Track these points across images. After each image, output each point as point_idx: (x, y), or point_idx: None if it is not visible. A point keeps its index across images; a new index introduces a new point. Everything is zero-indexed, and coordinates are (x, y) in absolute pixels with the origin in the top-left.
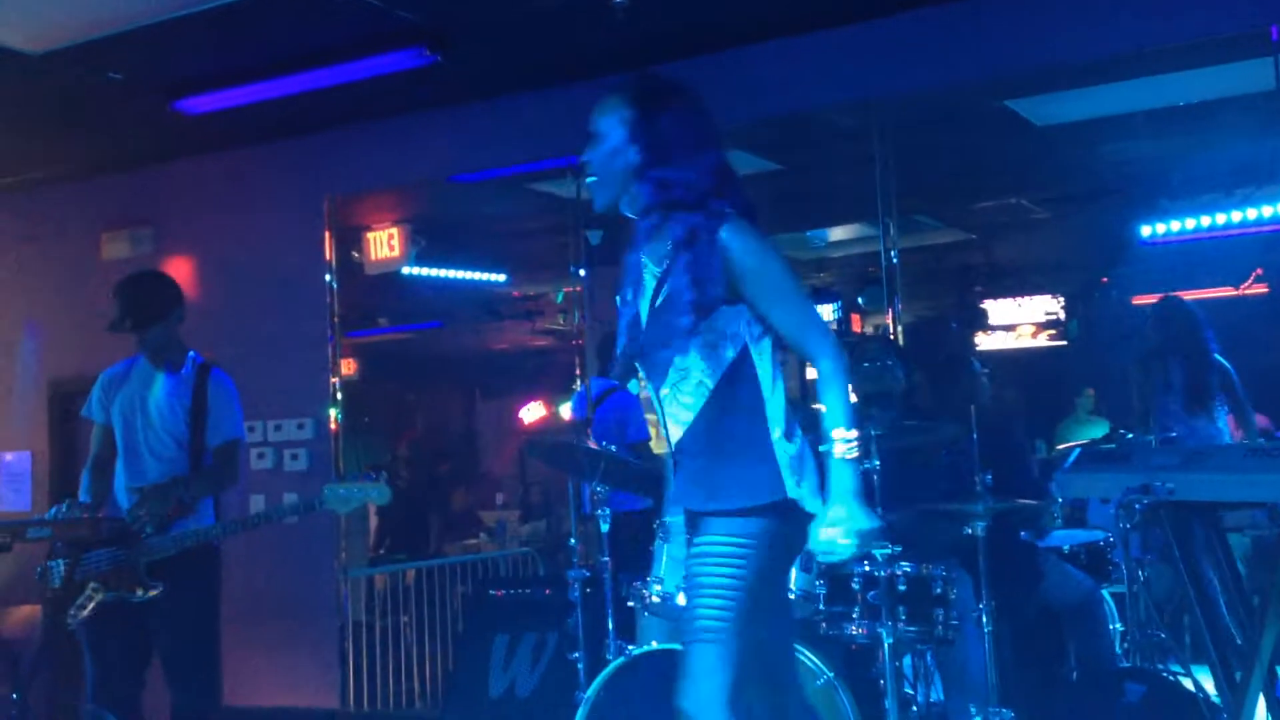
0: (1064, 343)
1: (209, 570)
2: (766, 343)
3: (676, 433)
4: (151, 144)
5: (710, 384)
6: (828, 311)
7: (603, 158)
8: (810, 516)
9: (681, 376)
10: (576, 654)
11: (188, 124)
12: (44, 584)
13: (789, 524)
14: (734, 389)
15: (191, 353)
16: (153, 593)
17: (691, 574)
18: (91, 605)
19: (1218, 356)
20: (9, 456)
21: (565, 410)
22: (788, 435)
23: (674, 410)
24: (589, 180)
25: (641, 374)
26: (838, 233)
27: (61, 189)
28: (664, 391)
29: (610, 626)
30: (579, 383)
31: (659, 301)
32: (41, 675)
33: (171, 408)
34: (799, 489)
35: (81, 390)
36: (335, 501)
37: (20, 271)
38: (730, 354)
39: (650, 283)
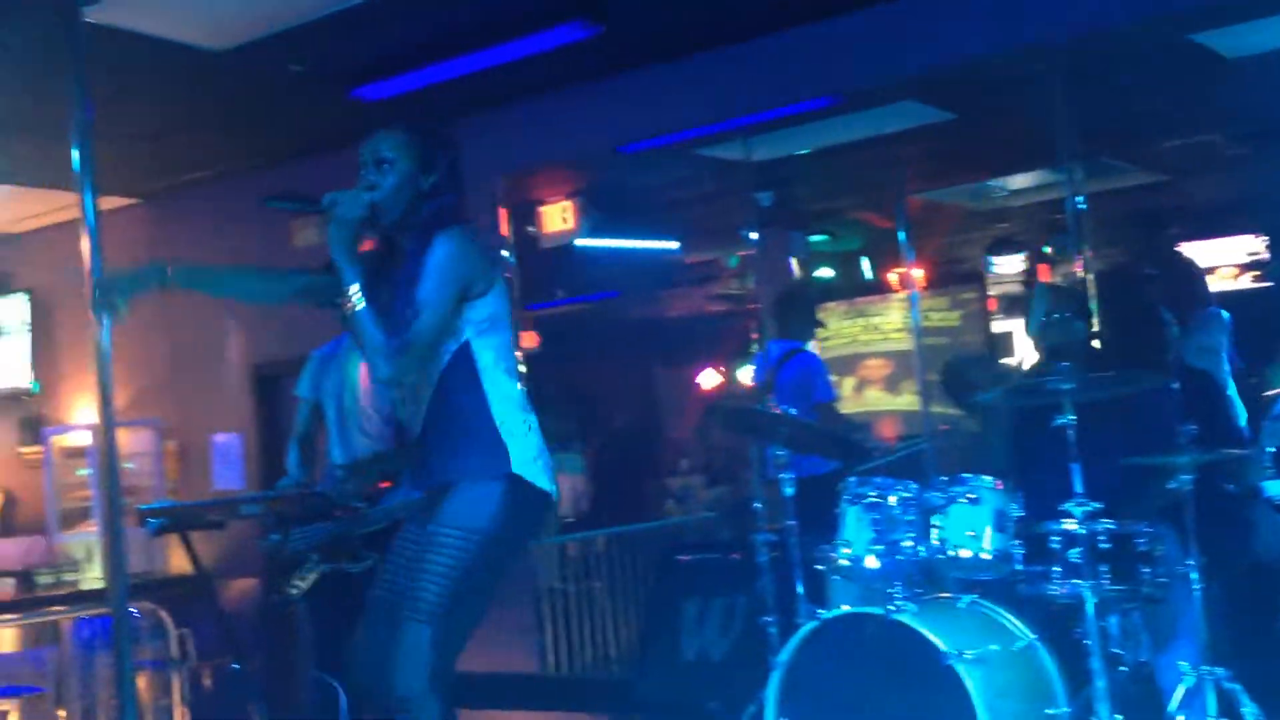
0: (1269, 284)
1: None
2: (494, 336)
3: (419, 420)
4: (333, 132)
5: (434, 376)
6: (1016, 262)
7: (395, 183)
8: (541, 491)
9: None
10: (767, 618)
11: (366, 110)
12: (265, 557)
13: (518, 498)
14: (455, 379)
15: None
16: (366, 564)
17: (420, 556)
18: (312, 577)
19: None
20: (221, 438)
21: (745, 375)
22: (512, 416)
23: (416, 400)
24: (342, 199)
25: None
26: (1019, 181)
27: (252, 179)
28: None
29: (799, 590)
30: (757, 346)
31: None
32: (263, 645)
33: (376, 386)
34: (525, 464)
35: (282, 373)
36: None
37: (221, 261)
38: (452, 347)
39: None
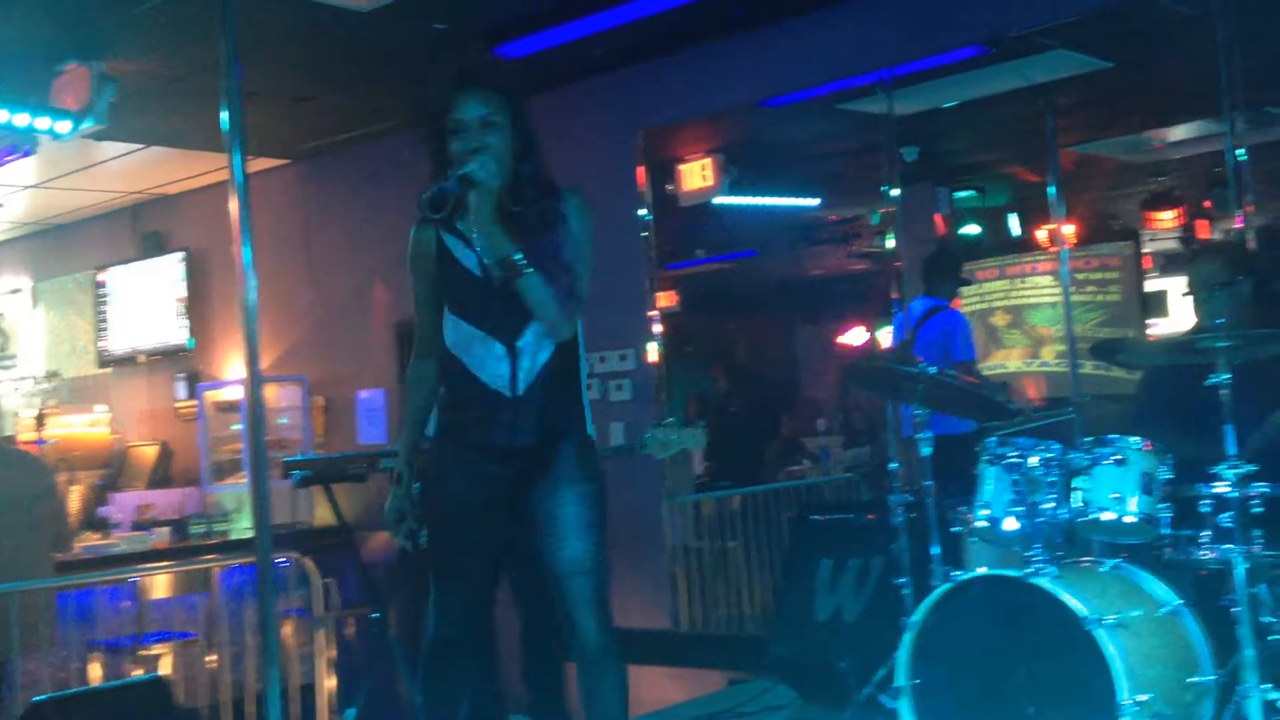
0: None
1: None
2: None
3: (525, 377)
4: None
5: (556, 340)
6: (1172, 217)
7: (503, 143)
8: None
9: (539, 333)
10: (902, 579)
11: (509, 69)
12: None
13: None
14: (573, 342)
15: None
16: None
17: (568, 513)
18: None
19: None
20: (365, 394)
21: (885, 333)
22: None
23: (526, 360)
24: (481, 165)
25: (474, 326)
26: (1178, 132)
27: (398, 139)
28: (519, 343)
29: (935, 552)
30: (898, 304)
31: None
32: (400, 594)
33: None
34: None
35: None
36: (655, 446)
37: (366, 221)
38: None
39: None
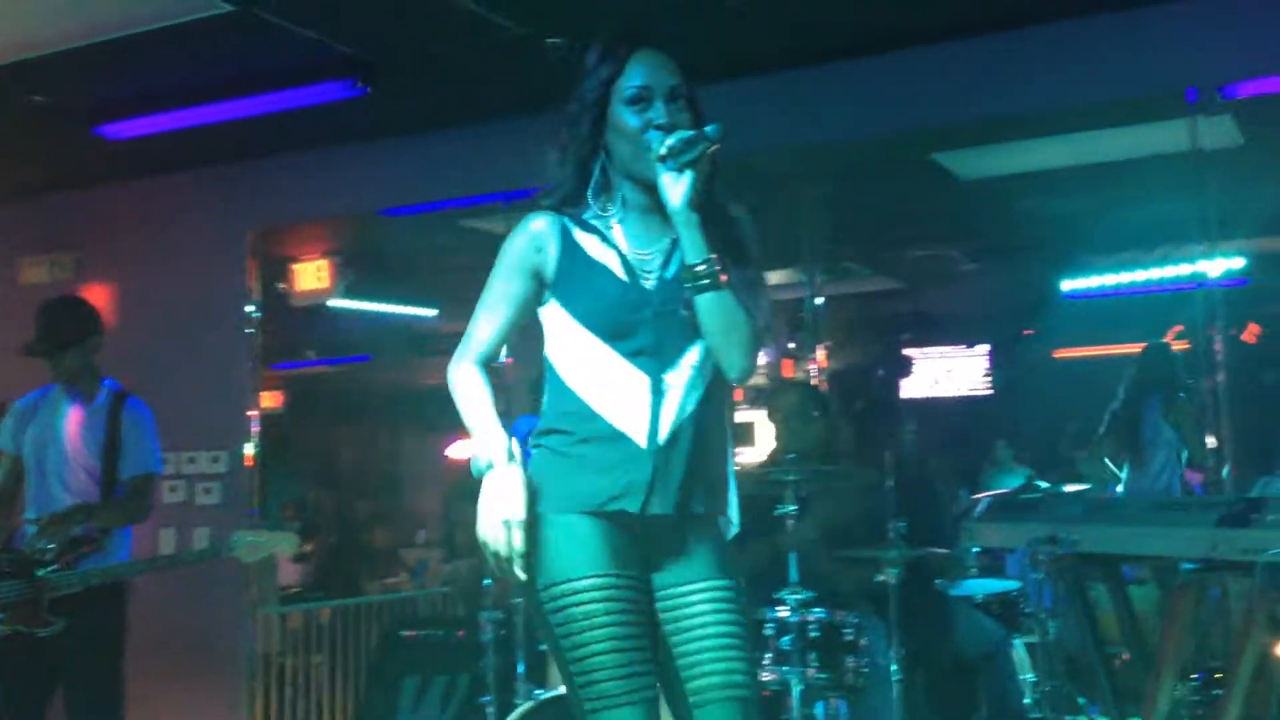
0: (988, 392)
1: (115, 608)
2: None
3: (670, 422)
4: (75, 169)
5: (711, 373)
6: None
7: (689, 125)
8: None
9: (696, 362)
10: (487, 697)
11: (111, 150)
12: None
13: None
14: (720, 383)
15: (107, 381)
16: (54, 628)
17: (714, 620)
18: None
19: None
20: None
21: None
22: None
23: (675, 399)
24: (716, 129)
25: (613, 344)
26: (771, 277)
27: None
28: (667, 375)
29: (520, 669)
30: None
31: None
32: None
33: (84, 438)
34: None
35: None
36: (242, 549)
37: None
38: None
39: (655, 258)
